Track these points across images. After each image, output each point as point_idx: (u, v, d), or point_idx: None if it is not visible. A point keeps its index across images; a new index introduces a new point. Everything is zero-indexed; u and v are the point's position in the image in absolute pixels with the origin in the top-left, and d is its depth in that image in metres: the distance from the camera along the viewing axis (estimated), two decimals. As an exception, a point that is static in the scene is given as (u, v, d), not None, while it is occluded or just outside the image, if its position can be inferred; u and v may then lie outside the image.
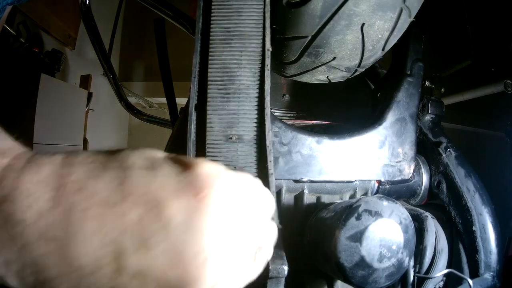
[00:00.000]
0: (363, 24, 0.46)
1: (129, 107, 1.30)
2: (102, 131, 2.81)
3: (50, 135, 1.90)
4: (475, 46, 1.21)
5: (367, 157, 0.54)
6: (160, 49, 0.82)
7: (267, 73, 0.41)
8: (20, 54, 1.82)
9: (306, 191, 0.53)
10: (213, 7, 0.43)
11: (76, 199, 0.22)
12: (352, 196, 0.55)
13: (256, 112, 0.41)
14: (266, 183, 0.40)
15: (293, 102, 0.74)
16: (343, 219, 0.40)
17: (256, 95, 0.41)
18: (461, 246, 0.57)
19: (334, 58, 0.50)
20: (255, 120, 0.41)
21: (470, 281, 0.48)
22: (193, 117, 0.42)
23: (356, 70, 0.54)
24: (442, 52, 1.30)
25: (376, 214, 0.40)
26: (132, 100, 2.52)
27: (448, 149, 0.61)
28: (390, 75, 0.66)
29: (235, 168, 0.41)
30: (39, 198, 0.21)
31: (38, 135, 1.77)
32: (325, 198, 0.54)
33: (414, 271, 0.51)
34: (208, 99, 0.41)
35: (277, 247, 0.42)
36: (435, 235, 0.54)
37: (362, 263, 0.39)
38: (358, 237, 0.39)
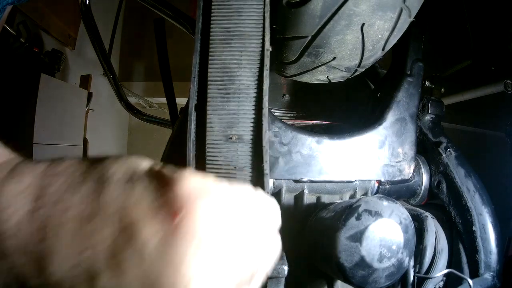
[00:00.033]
0: (363, 24, 0.46)
1: (129, 107, 1.30)
2: (102, 131, 2.81)
3: (50, 135, 1.90)
4: (475, 46, 1.21)
5: (367, 157, 0.54)
6: (160, 49, 0.82)
7: (266, 73, 0.41)
8: (20, 54, 1.83)
9: (306, 191, 0.53)
10: (213, 7, 0.43)
11: (52, 212, 0.21)
12: (352, 196, 0.55)
13: (256, 112, 0.41)
14: (262, 183, 0.40)
15: (293, 102, 0.74)
16: (343, 219, 0.40)
17: (256, 95, 0.41)
18: (461, 246, 0.57)
19: (334, 58, 0.50)
20: (255, 120, 0.41)
21: (470, 281, 0.48)
22: (193, 117, 0.42)
23: (356, 70, 0.54)
24: (442, 52, 1.30)
25: (376, 214, 0.40)
26: (132, 100, 2.52)
27: (448, 149, 0.61)
28: (390, 75, 0.66)
29: (235, 168, 0.41)
30: (18, 209, 0.21)
31: (38, 135, 1.77)
32: (325, 198, 0.54)
33: (414, 271, 0.51)
34: (208, 99, 0.41)
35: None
36: (435, 235, 0.54)
37: (362, 263, 0.39)
38: (358, 237, 0.39)
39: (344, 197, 0.55)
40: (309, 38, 0.48)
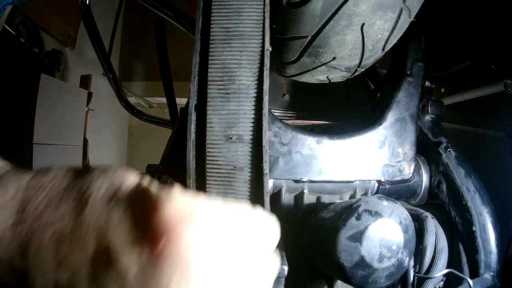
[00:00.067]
0: (363, 24, 0.46)
1: (129, 107, 1.30)
2: (102, 131, 2.81)
3: (50, 135, 1.90)
4: (475, 46, 1.21)
5: (367, 157, 0.54)
6: (160, 49, 0.82)
7: (266, 73, 0.41)
8: (20, 54, 1.83)
9: (306, 191, 0.53)
10: (213, 7, 0.43)
11: (34, 228, 0.20)
12: (352, 196, 0.55)
13: (256, 112, 0.41)
14: (261, 183, 0.40)
15: (293, 102, 0.74)
16: (343, 219, 0.40)
17: (256, 95, 0.41)
18: (461, 246, 0.57)
19: (334, 58, 0.50)
20: (255, 120, 0.41)
21: (470, 281, 0.48)
22: (193, 117, 0.42)
23: (356, 70, 0.54)
24: (442, 52, 1.30)
25: (376, 214, 0.40)
26: (132, 100, 2.52)
27: (448, 149, 0.61)
28: (390, 75, 0.66)
29: (235, 168, 0.41)
30: (1, 222, 0.21)
31: (38, 135, 1.77)
32: (325, 198, 0.54)
33: (414, 271, 0.51)
34: (208, 99, 0.41)
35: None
36: (435, 235, 0.54)
37: (362, 263, 0.39)
38: (358, 237, 0.39)
39: (344, 197, 0.55)
40: (309, 38, 0.48)
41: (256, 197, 0.43)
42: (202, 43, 0.43)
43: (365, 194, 0.56)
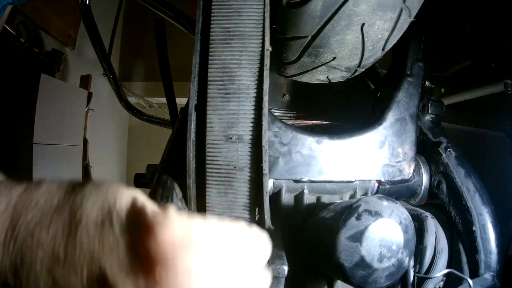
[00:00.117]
0: (363, 24, 0.46)
1: (129, 107, 1.30)
2: (102, 131, 2.81)
3: (50, 135, 1.90)
4: (475, 46, 1.21)
5: (367, 157, 0.54)
6: (160, 49, 0.82)
7: (266, 73, 0.41)
8: (20, 54, 1.83)
9: (306, 191, 0.53)
10: (213, 7, 0.43)
11: (25, 247, 0.20)
12: (352, 196, 0.55)
13: (256, 112, 0.41)
14: (261, 183, 0.40)
15: (293, 102, 0.74)
16: (343, 219, 0.40)
17: (256, 95, 0.41)
18: (461, 246, 0.57)
19: (334, 58, 0.50)
20: (255, 120, 0.41)
21: (470, 281, 0.48)
22: (193, 117, 0.42)
23: (356, 70, 0.54)
24: (442, 52, 1.30)
25: (376, 214, 0.40)
26: (132, 100, 2.53)
27: (448, 149, 0.61)
28: (390, 75, 0.66)
29: (235, 168, 0.41)
30: None
31: (38, 135, 1.77)
32: (325, 198, 0.54)
33: (414, 271, 0.51)
34: (208, 99, 0.41)
35: (277, 247, 0.43)
36: (435, 235, 0.54)
37: (362, 263, 0.39)
38: (358, 237, 0.39)
39: (344, 197, 0.55)
40: (309, 38, 0.48)
41: (256, 197, 0.43)
42: (202, 43, 0.43)
43: (365, 194, 0.56)
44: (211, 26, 0.42)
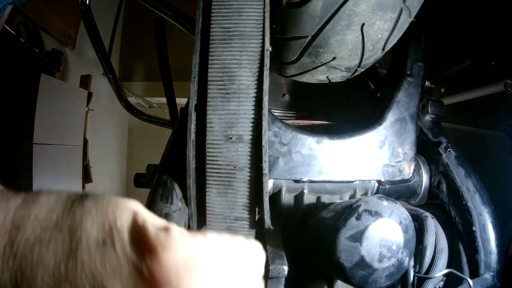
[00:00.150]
0: (363, 24, 0.46)
1: (129, 107, 1.30)
2: (102, 131, 2.81)
3: (50, 135, 1.90)
4: (475, 46, 1.21)
5: (367, 157, 0.54)
6: (160, 49, 0.82)
7: (266, 73, 0.41)
8: (20, 54, 1.83)
9: (306, 191, 0.53)
10: (213, 7, 0.43)
11: (25, 264, 0.20)
12: (352, 196, 0.55)
13: (256, 112, 0.41)
14: (261, 183, 0.40)
15: (293, 102, 0.74)
16: (343, 219, 0.40)
17: (256, 95, 0.41)
18: (461, 246, 0.57)
19: (334, 58, 0.50)
20: (255, 120, 0.41)
21: (470, 281, 0.48)
22: (193, 117, 0.42)
23: (356, 70, 0.54)
24: (442, 52, 1.30)
25: (376, 214, 0.40)
26: (132, 100, 2.52)
27: (448, 149, 0.61)
28: (390, 75, 0.66)
29: (235, 168, 0.41)
30: None
31: (38, 135, 1.77)
32: (325, 198, 0.54)
33: (414, 271, 0.51)
34: (208, 99, 0.41)
35: (277, 247, 0.43)
36: (435, 235, 0.54)
37: (362, 263, 0.39)
38: (358, 237, 0.39)
39: (344, 197, 0.55)
40: (309, 38, 0.48)
41: (255, 197, 0.43)
42: (202, 43, 0.43)
43: (365, 194, 0.56)
44: (211, 26, 0.42)
